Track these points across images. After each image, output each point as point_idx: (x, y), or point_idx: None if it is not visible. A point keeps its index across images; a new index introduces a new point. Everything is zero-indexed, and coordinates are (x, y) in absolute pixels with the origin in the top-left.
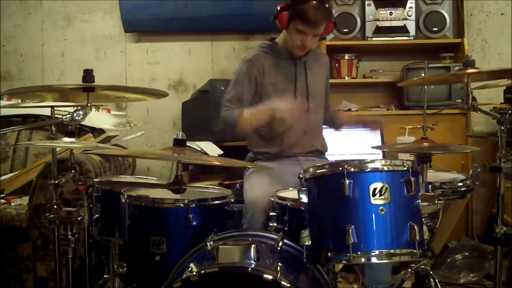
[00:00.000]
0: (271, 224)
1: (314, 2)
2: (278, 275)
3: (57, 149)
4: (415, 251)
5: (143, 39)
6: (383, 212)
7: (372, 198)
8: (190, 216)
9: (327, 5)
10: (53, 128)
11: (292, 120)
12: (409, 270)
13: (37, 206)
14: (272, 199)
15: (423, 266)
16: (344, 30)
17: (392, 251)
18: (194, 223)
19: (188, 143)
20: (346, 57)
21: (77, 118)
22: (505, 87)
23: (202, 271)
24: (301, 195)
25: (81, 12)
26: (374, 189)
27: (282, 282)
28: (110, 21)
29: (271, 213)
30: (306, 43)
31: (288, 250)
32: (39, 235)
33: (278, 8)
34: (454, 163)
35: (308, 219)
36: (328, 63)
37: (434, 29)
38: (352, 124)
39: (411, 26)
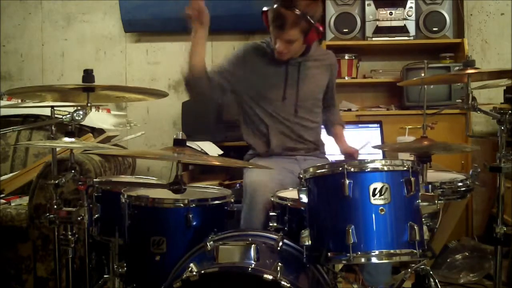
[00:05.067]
0: (271, 224)
1: (281, 6)
2: (278, 275)
3: (57, 149)
4: (415, 251)
5: (143, 39)
6: (383, 212)
7: (372, 198)
8: (190, 216)
9: (297, 11)
10: (53, 128)
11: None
12: (409, 270)
13: (37, 206)
14: (272, 199)
15: (423, 266)
16: (344, 30)
17: (392, 251)
18: (194, 223)
19: (188, 143)
20: (346, 57)
21: (77, 118)
22: (505, 87)
23: (202, 271)
24: (301, 195)
25: (81, 12)
26: (374, 189)
27: (282, 282)
28: (110, 21)
29: (271, 213)
30: (279, 47)
31: (288, 250)
32: (39, 235)
33: (262, 10)
34: (454, 163)
35: (308, 219)
36: (334, 62)
37: (434, 29)
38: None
39: (411, 26)
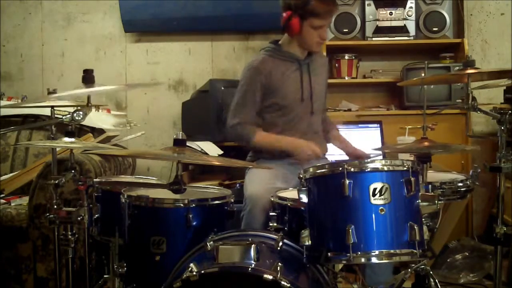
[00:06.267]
0: (271, 224)
1: None
2: (278, 275)
3: (57, 149)
4: (415, 251)
5: (143, 39)
6: (383, 212)
7: (372, 198)
8: (190, 216)
9: None
10: (53, 128)
11: (308, 159)
12: (409, 270)
13: (37, 206)
14: (272, 199)
15: (423, 266)
16: (344, 30)
17: (392, 251)
18: (194, 223)
19: (188, 143)
20: (346, 57)
21: (77, 118)
22: (505, 87)
23: (202, 271)
24: (301, 195)
25: (81, 12)
26: (374, 189)
27: (282, 282)
28: (110, 21)
29: (271, 213)
30: (324, 35)
31: (288, 250)
32: (39, 235)
33: (284, 16)
34: (454, 163)
35: (308, 219)
36: (327, 64)
37: (434, 29)
38: (340, 148)
39: (411, 26)
